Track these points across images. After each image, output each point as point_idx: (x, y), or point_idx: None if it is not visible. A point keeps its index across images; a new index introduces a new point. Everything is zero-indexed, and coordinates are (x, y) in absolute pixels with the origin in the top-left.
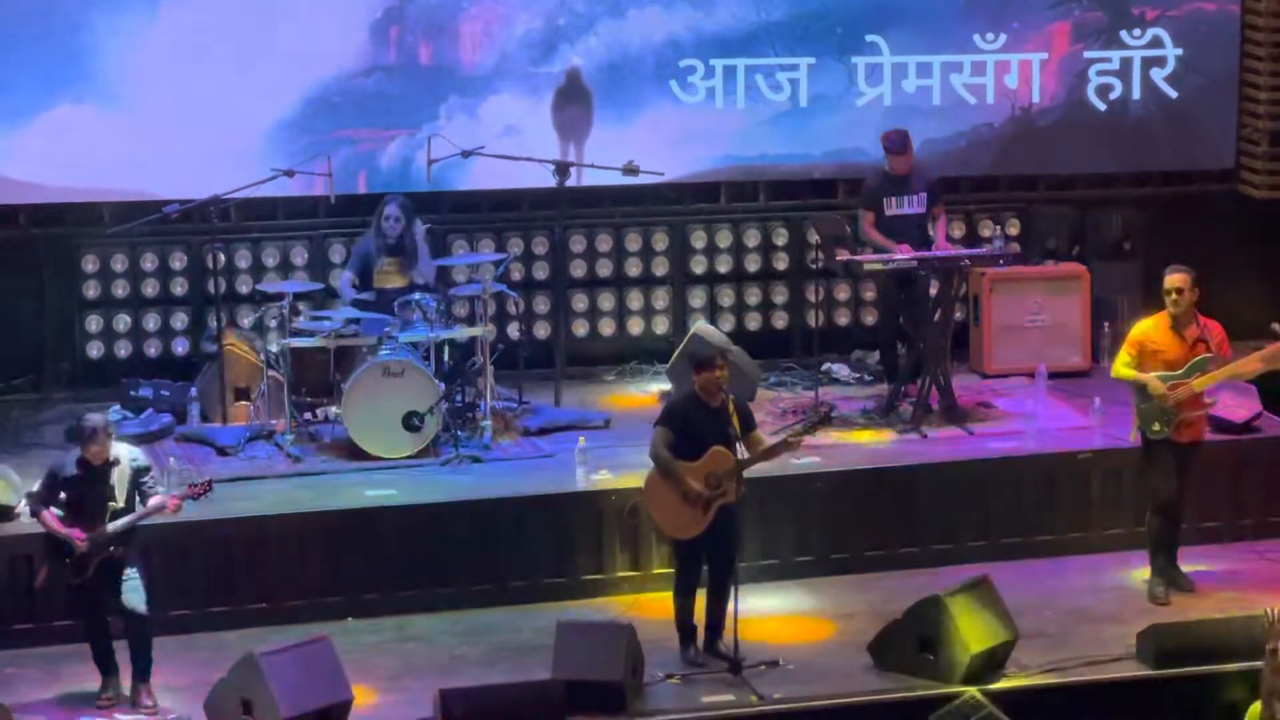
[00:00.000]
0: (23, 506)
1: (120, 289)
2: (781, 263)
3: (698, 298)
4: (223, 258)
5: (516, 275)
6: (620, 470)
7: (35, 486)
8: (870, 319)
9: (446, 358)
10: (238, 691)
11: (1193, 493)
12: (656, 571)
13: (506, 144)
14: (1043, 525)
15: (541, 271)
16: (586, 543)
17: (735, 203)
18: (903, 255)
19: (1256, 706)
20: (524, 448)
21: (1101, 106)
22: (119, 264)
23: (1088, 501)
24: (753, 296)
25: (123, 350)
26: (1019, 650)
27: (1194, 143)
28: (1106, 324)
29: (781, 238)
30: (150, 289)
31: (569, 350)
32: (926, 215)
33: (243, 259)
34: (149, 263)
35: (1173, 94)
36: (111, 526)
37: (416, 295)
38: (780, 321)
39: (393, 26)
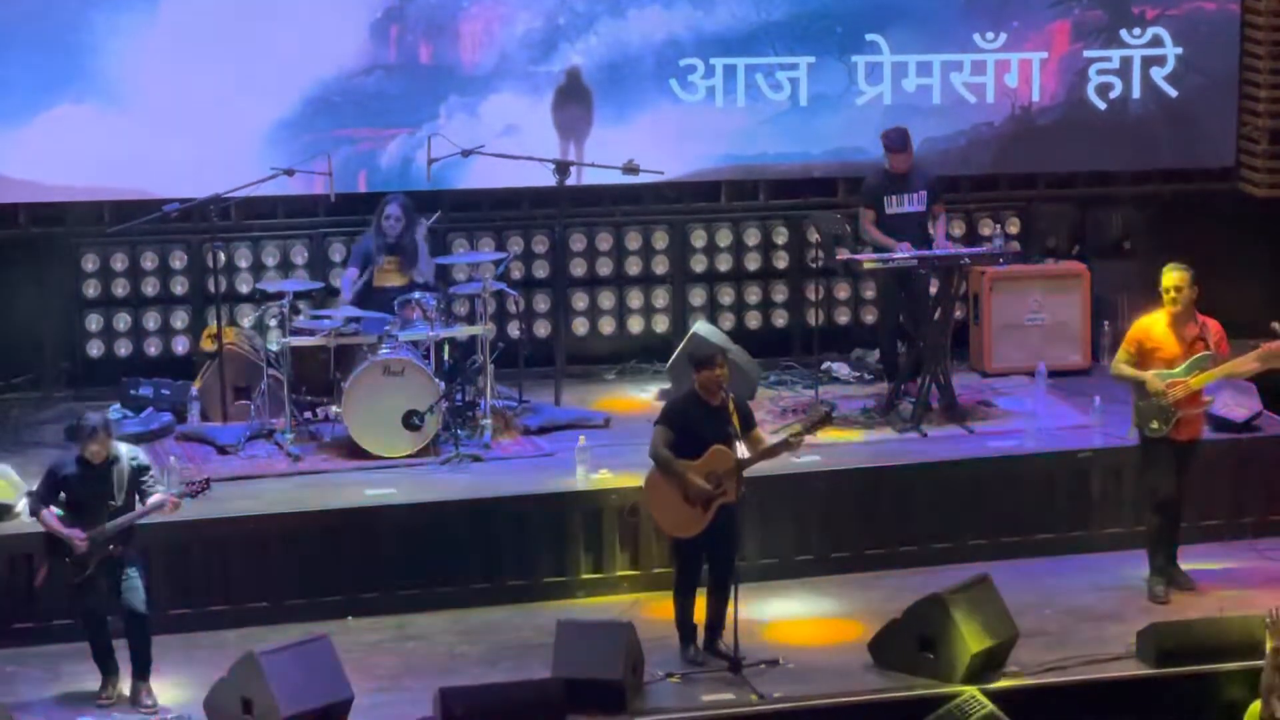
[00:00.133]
0: (22, 505)
1: (120, 288)
2: (781, 261)
3: (698, 296)
4: (223, 256)
5: (517, 274)
6: (620, 469)
7: (35, 485)
8: (870, 318)
9: (446, 356)
10: (238, 691)
11: (1191, 491)
12: (656, 571)
13: (506, 143)
14: (1043, 524)
15: (542, 270)
16: (586, 542)
17: (735, 201)
18: (903, 254)
19: (1256, 705)
20: (524, 446)
21: (1101, 105)
22: (119, 263)
23: (1088, 500)
24: (753, 295)
25: (123, 349)
26: (1019, 649)
27: (1194, 141)
28: (1106, 323)
29: (781, 236)
30: (150, 288)
31: (569, 349)
32: (927, 214)
33: (243, 258)
34: (149, 262)
35: (1173, 93)
36: (111, 525)
37: (416, 294)
38: (780, 320)
39: (393, 25)
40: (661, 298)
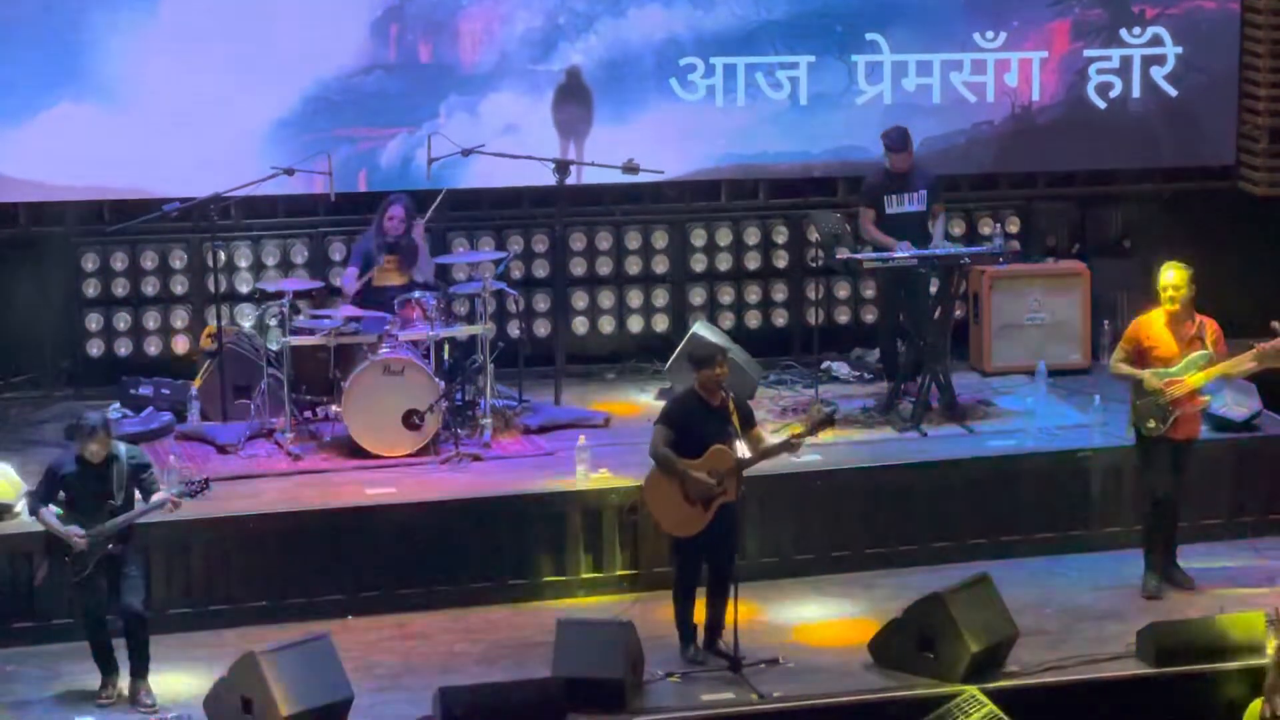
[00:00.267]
0: (22, 505)
1: (120, 287)
2: (781, 261)
3: (698, 296)
4: (223, 256)
5: (516, 273)
6: (620, 469)
7: (34, 485)
8: (870, 317)
9: (446, 356)
10: (238, 690)
11: (1190, 490)
12: (656, 571)
13: (506, 142)
14: (1042, 523)
15: (541, 269)
16: (586, 542)
17: (735, 201)
18: (903, 253)
19: (1256, 704)
20: (524, 446)
21: (1101, 104)
22: (119, 262)
23: (1087, 500)
24: (753, 294)
25: (123, 348)
26: (1019, 649)
27: (1194, 140)
28: (1106, 321)
29: (781, 236)
30: (150, 287)
31: (569, 348)
32: (927, 213)
33: (243, 257)
34: (149, 261)
35: (1172, 92)
36: (110, 524)
37: (416, 293)
38: (780, 319)
39: (392, 25)
40: (661, 297)
